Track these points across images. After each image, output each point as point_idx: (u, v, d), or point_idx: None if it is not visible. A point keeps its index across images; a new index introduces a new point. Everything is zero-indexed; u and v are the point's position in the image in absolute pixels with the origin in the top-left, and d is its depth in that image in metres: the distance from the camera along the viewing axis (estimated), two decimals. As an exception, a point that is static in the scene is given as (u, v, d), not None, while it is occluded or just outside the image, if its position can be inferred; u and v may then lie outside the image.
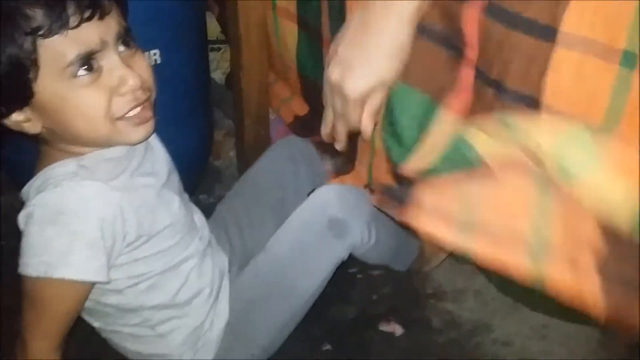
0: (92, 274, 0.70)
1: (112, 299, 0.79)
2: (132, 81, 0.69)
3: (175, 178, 0.87)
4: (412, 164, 0.78)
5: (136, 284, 0.79)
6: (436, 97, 0.74)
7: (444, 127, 0.74)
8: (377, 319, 1.07)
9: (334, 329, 1.06)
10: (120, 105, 0.70)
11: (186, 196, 0.91)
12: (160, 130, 0.89)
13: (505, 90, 0.65)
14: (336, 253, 0.88)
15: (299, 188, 1.05)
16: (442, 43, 0.72)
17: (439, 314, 1.08)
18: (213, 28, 1.66)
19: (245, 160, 1.36)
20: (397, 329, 1.05)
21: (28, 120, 0.70)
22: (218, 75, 1.69)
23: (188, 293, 0.84)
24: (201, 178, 1.40)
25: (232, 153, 1.51)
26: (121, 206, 0.71)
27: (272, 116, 1.41)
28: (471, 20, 0.66)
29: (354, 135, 1.03)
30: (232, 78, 1.35)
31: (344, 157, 1.07)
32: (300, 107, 1.21)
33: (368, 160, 0.99)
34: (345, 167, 1.06)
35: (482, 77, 0.68)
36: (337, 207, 0.87)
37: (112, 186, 0.71)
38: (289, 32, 1.14)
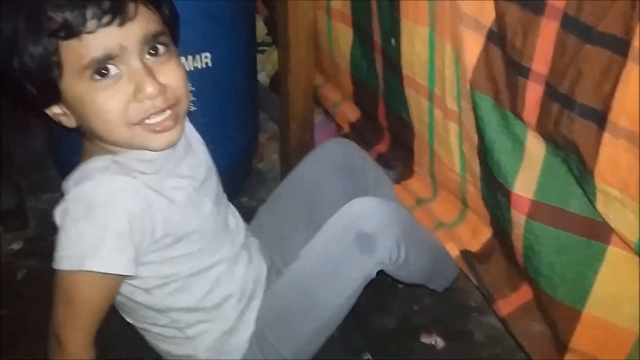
0: (121, 267, 0.71)
1: (141, 298, 0.80)
2: (150, 88, 0.68)
3: (213, 182, 0.87)
4: (519, 188, 0.76)
5: (164, 284, 0.80)
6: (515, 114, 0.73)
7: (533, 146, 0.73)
8: (418, 330, 1.06)
9: (374, 338, 1.05)
10: (137, 111, 0.69)
11: (224, 200, 0.91)
12: (209, 132, 0.90)
13: (574, 104, 0.64)
14: (362, 268, 0.85)
15: (336, 196, 1.02)
16: (507, 60, 0.71)
17: (482, 328, 1.06)
18: (259, 30, 1.67)
19: (289, 164, 1.36)
20: (439, 342, 1.03)
21: (65, 114, 0.72)
22: (262, 77, 1.69)
23: (217, 297, 0.84)
24: (244, 180, 1.41)
25: (275, 156, 1.52)
26: (149, 202, 0.72)
27: (316, 120, 1.41)
28: (548, 34, 0.65)
29: (408, 137, 1.02)
30: (279, 81, 1.36)
31: (402, 164, 1.06)
32: (351, 112, 1.20)
33: (428, 163, 0.97)
34: (406, 174, 1.04)
35: (551, 92, 0.67)
36: (367, 221, 0.84)
37: (141, 181, 0.72)
38: (343, 35, 1.13)
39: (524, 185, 0.76)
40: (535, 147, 0.73)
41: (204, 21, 1.05)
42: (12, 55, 0.66)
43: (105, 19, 0.65)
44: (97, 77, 0.67)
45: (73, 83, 0.67)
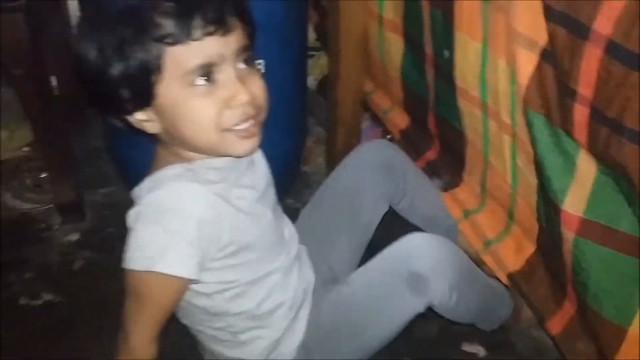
0: (187, 271, 0.74)
1: (201, 302, 0.83)
2: (242, 96, 0.71)
3: (271, 192, 0.90)
4: (569, 205, 0.77)
5: (224, 290, 0.83)
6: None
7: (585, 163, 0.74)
8: (460, 338, 1.07)
9: (416, 344, 1.07)
10: (229, 117, 0.72)
11: (279, 211, 0.93)
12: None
13: (623, 129, 0.64)
14: (411, 307, 0.85)
15: (376, 198, 1.03)
16: (556, 79, 0.72)
17: (523, 340, 1.06)
18: (308, 34, 1.70)
19: (334, 168, 1.39)
20: (480, 351, 1.04)
21: (149, 120, 0.74)
22: (310, 80, 1.71)
23: (270, 305, 0.87)
24: (291, 183, 1.43)
25: (321, 159, 1.54)
26: (218, 210, 0.75)
27: (363, 125, 1.43)
28: (591, 58, 0.65)
29: (460, 145, 1.03)
30: (328, 87, 1.38)
31: (451, 172, 1.07)
32: (401, 119, 1.22)
33: (480, 171, 0.98)
34: (454, 182, 1.05)
35: (598, 115, 0.68)
36: (421, 261, 0.83)
37: (211, 190, 0.75)
38: (395, 45, 1.15)
39: (574, 202, 0.76)
40: (586, 166, 0.74)
41: (259, 30, 1.07)
42: (114, 60, 0.69)
43: (210, 28, 0.68)
44: (196, 83, 0.70)
45: (171, 88, 0.70)
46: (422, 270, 0.82)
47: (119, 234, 1.37)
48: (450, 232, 1.08)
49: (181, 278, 0.74)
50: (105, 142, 1.46)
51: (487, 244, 1.00)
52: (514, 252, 0.96)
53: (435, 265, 0.83)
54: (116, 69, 0.69)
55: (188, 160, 0.77)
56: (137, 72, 0.69)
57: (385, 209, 1.06)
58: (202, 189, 0.74)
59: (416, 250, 0.85)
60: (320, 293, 0.93)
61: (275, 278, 0.86)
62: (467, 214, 1.05)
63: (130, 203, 0.85)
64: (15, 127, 1.57)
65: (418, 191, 1.07)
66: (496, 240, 0.99)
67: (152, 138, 0.80)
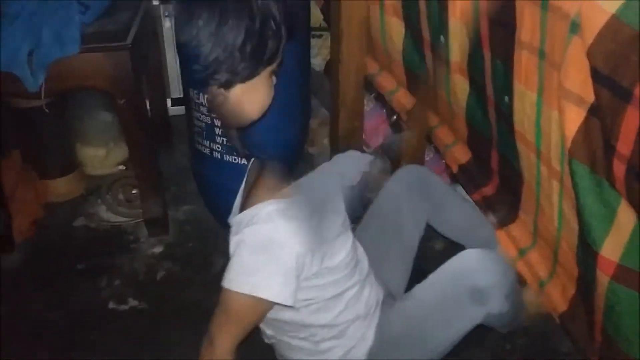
0: (286, 298, 0.84)
1: (288, 315, 0.94)
2: None
3: (347, 217, 0.99)
4: (606, 251, 0.80)
5: (309, 304, 0.93)
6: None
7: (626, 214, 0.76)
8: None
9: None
10: None
11: (351, 230, 1.02)
12: (264, 120, 0.93)
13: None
14: (472, 318, 0.94)
15: (415, 216, 1.13)
16: (602, 133, 0.75)
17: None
18: (316, 15, 1.65)
19: (338, 150, 1.40)
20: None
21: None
22: (318, 61, 1.70)
23: (347, 316, 0.97)
24: (296, 164, 1.45)
25: (326, 141, 1.56)
26: (311, 245, 0.85)
27: (367, 108, 1.44)
28: (632, 120, 0.69)
29: (517, 184, 1.02)
30: (330, 70, 1.38)
31: (507, 208, 1.10)
32: (463, 154, 1.26)
33: (534, 211, 1.03)
34: (509, 217, 1.10)
35: (633, 173, 0.71)
36: (481, 276, 0.93)
37: (306, 226, 0.84)
38: (395, 29, 1.19)
39: (611, 249, 0.79)
40: (626, 215, 0.77)
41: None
42: None
43: None
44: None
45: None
46: (483, 284, 0.93)
47: (198, 249, 1.49)
48: (492, 243, 1.14)
49: (277, 303, 0.85)
50: (189, 164, 1.56)
51: (541, 284, 1.04)
52: (560, 293, 0.99)
53: (493, 278, 0.93)
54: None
55: (283, 194, 0.87)
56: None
57: (424, 224, 1.16)
58: (299, 226, 0.84)
59: (475, 265, 0.95)
60: (384, 306, 1.03)
61: (352, 293, 0.96)
62: (522, 252, 1.08)
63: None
64: (112, 146, 1.73)
65: (449, 202, 1.16)
66: (547, 280, 1.03)
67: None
